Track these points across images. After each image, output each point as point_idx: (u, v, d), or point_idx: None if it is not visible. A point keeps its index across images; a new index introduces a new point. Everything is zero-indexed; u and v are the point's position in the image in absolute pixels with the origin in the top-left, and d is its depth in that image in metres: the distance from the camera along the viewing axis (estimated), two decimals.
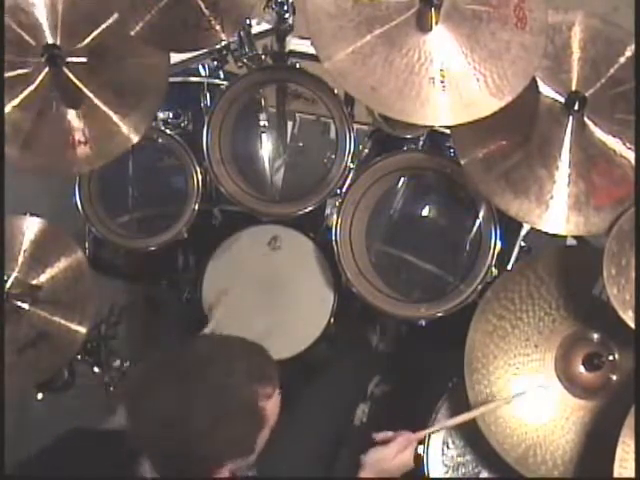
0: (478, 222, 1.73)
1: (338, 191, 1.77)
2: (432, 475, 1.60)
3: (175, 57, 1.83)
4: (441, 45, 1.33)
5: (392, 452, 1.42)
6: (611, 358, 1.51)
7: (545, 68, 1.45)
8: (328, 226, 1.81)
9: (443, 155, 1.77)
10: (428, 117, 1.33)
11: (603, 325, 1.50)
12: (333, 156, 1.86)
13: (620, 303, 1.33)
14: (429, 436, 1.60)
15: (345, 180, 1.77)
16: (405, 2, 1.33)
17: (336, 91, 1.77)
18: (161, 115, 1.88)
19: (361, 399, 1.96)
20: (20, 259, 1.53)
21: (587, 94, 1.43)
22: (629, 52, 1.46)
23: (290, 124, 2.09)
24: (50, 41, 1.49)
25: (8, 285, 1.49)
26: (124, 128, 1.50)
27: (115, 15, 1.47)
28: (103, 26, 1.50)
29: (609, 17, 1.51)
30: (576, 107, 1.42)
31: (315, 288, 1.82)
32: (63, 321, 1.52)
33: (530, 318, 1.54)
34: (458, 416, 1.52)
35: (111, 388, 1.87)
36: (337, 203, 1.75)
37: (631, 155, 1.43)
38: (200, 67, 2.02)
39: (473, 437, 1.57)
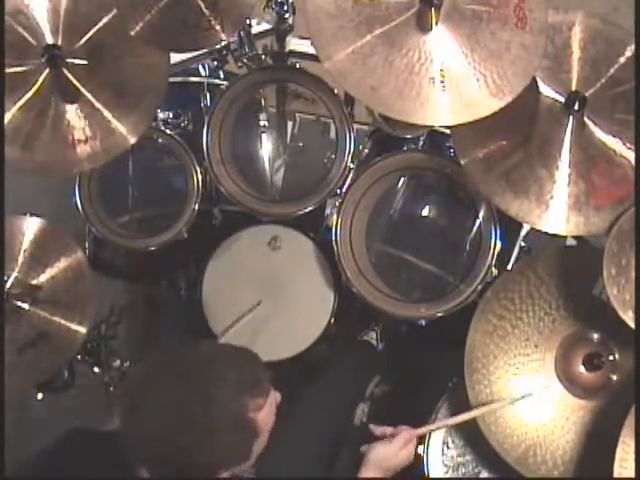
0: (478, 222, 1.73)
1: (338, 191, 1.77)
2: (432, 475, 1.60)
3: (175, 57, 1.83)
4: (441, 45, 1.33)
5: (395, 449, 1.42)
6: (611, 358, 1.51)
7: (545, 68, 1.45)
8: (328, 226, 1.81)
9: (443, 155, 1.77)
10: (428, 117, 1.32)
11: (603, 325, 1.50)
12: (333, 156, 1.86)
13: (620, 303, 1.33)
14: (429, 436, 1.60)
15: (345, 180, 1.77)
16: (405, 2, 1.33)
17: (336, 91, 1.77)
18: (161, 115, 1.88)
19: (361, 399, 1.96)
20: (20, 259, 1.53)
21: (587, 94, 1.43)
22: (629, 52, 1.46)
23: (290, 124, 2.09)
24: (50, 42, 1.49)
25: (8, 285, 1.49)
26: (124, 128, 1.50)
27: (114, 13, 1.46)
28: (102, 25, 1.50)
29: (609, 17, 1.51)
30: (576, 107, 1.42)
31: (315, 288, 1.82)
32: (63, 321, 1.52)
33: (530, 318, 1.54)
34: (460, 415, 1.52)
35: (111, 388, 1.87)
36: (337, 203, 1.75)
37: (631, 155, 1.43)
38: (200, 67, 2.02)
39: (473, 437, 1.57)
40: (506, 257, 1.80)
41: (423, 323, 1.69)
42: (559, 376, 1.53)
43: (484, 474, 1.61)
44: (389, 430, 1.46)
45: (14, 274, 1.51)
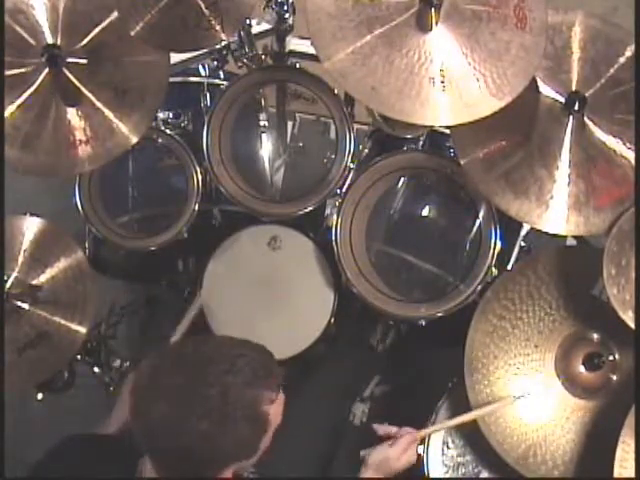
0: (478, 222, 1.73)
1: (338, 191, 1.77)
2: (432, 475, 1.60)
3: (175, 57, 1.83)
4: (441, 45, 1.33)
5: (397, 452, 1.42)
6: (611, 358, 1.51)
7: (545, 68, 1.45)
8: (328, 226, 1.81)
9: (443, 155, 1.77)
10: (428, 117, 1.33)
11: (603, 325, 1.51)
12: (333, 156, 1.86)
13: (620, 303, 1.33)
14: (429, 436, 1.60)
15: (345, 180, 1.77)
16: (405, 2, 1.34)
17: (336, 91, 1.77)
18: (161, 115, 1.88)
19: (359, 397, 1.96)
20: (20, 259, 1.53)
21: (587, 94, 1.44)
22: (629, 52, 1.46)
23: (290, 124, 2.08)
24: (50, 41, 1.49)
25: (8, 285, 1.49)
26: (125, 128, 1.50)
27: (115, 13, 1.47)
28: (103, 25, 1.50)
29: (609, 17, 1.52)
30: (576, 107, 1.42)
31: (315, 288, 1.82)
32: (63, 321, 1.52)
33: (530, 318, 1.54)
34: (462, 415, 1.52)
35: (111, 388, 1.87)
36: (337, 203, 1.75)
37: (631, 155, 1.44)
38: (200, 67, 2.02)
39: (473, 437, 1.57)
40: (506, 257, 1.80)
41: (423, 323, 1.69)
42: (559, 376, 1.53)
43: (484, 474, 1.62)
44: (393, 430, 1.45)
45: (14, 274, 1.51)
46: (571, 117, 1.43)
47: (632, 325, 1.32)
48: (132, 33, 1.43)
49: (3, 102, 1.47)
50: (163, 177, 1.91)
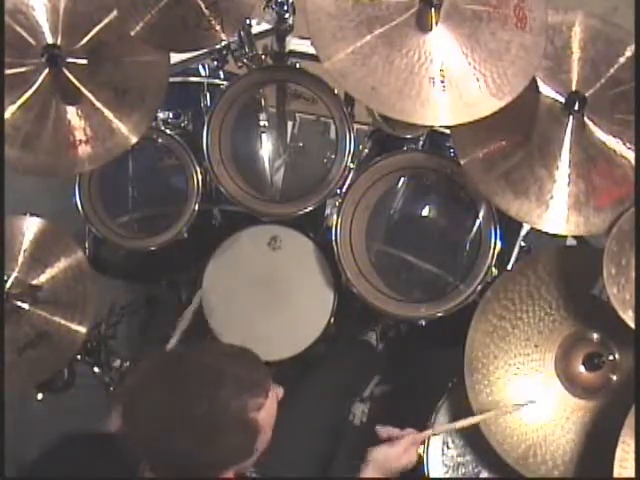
0: (478, 222, 1.73)
1: (338, 191, 1.77)
2: (432, 475, 1.60)
3: (175, 57, 1.83)
4: (441, 45, 1.33)
5: (399, 452, 1.42)
6: (611, 358, 1.51)
7: (545, 68, 1.45)
8: (328, 226, 1.81)
9: (443, 155, 1.77)
10: (428, 117, 1.33)
11: (603, 325, 1.51)
12: (333, 156, 1.86)
13: (620, 303, 1.33)
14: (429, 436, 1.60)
15: (345, 180, 1.77)
16: (405, 2, 1.34)
17: (336, 91, 1.77)
18: (161, 115, 1.88)
19: (359, 397, 1.96)
20: (20, 259, 1.54)
21: (587, 94, 1.44)
22: (629, 52, 1.46)
23: (290, 124, 2.08)
24: (50, 41, 1.49)
25: (8, 285, 1.49)
26: (125, 128, 1.50)
27: (114, 13, 1.47)
28: (102, 25, 1.50)
29: (609, 17, 1.52)
30: (576, 107, 1.42)
31: (315, 288, 1.81)
32: (63, 321, 1.52)
33: (530, 318, 1.54)
34: (464, 419, 1.52)
35: (111, 388, 1.87)
36: (337, 203, 1.75)
37: (631, 155, 1.44)
38: (200, 67, 2.02)
39: (473, 437, 1.57)
40: (506, 257, 1.80)
41: (423, 323, 1.69)
42: (559, 376, 1.53)
43: (484, 474, 1.62)
44: (396, 432, 1.45)
45: (14, 274, 1.52)
46: (571, 117, 1.43)
47: (632, 325, 1.33)
48: (132, 33, 1.43)
49: (3, 102, 1.47)
50: (163, 177, 1.91)
